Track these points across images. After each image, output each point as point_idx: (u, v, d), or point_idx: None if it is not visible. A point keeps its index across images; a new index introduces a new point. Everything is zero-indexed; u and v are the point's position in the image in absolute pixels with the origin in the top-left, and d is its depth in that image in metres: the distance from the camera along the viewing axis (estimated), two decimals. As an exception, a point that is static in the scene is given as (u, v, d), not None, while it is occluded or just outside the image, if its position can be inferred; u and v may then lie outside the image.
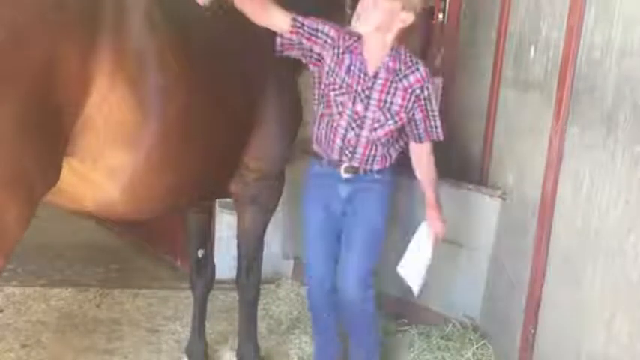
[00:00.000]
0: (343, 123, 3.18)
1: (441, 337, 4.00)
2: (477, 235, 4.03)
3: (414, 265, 3.38)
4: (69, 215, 3.50)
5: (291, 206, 4.43)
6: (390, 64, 3.12)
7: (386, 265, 4.26)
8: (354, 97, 3.14)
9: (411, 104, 3.15)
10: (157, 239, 4.98)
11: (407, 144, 3.36)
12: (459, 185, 4.14)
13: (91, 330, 4.06)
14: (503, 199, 3.90)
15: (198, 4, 2.92)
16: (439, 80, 4.95)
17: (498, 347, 3.80)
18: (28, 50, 2.29)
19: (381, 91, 3.13)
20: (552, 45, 3.32)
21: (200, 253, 3.69)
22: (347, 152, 3.22)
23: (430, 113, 3.21)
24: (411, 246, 3.40)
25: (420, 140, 3.27)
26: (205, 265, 3.72)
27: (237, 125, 3.12)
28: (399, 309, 4.27)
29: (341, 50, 3.14)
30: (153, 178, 2.76)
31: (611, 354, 2.76)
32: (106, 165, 2.63)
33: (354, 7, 3.27)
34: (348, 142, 3.21)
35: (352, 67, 3.13)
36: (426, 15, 5.56)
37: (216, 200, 4.19)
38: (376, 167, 3.26)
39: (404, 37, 3.14)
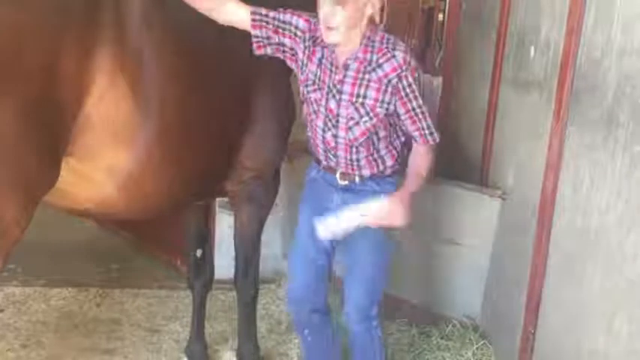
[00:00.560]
0: (320, 123, 2.90)
1: (441, 337, 4.00)
2: (477, 235, 4.03)
3: (339, 221, 2.86)
4: (69, 215, 3.50)
5: (292, 207, 4.44)
6: (361, 54, 2.79)
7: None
8: (327, 93, 2.84)
9: (387, 97, 2.79)
10: (157, 239, 4.97)
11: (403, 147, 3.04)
12: (459, 185, 4.14)
13: (91, 330, 4.06)
14: (503, 199, 3.90)
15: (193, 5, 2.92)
16: (438, 80, 4.97)
17: (498, 347, 3.80)
18: (31, 51, 2.30)
19: (353, 85, 2.80)
20: (552, 45, 3.32)
21: (199, 253, 3.69)
22: (330, 155, 2.94)
23: (417, 110, 2.83)
24: (356, 208, 2.87)
25: (415, 140, 2.93)
26: (204, 266, 3.72)
27: (232, 124, 3.13)
28: (399, 309, 4.27)
29: (312, 42, 2.87)
30: (151, 177, 2.77)
31: (611, 354, 2.76)
32: (104, 164, 2.64)
33: None
34: (328, 143, 2.92)
35: (323, 60, 2.85)
36: (426, 15, 5.59)
37: (216, 200, 4.19)
38: (366, 173, 2.94)
39: (380, 20, 2.83)
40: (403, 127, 2.91)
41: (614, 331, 2.74)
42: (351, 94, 2.82)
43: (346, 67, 2.82)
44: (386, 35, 2.85)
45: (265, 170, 3.34)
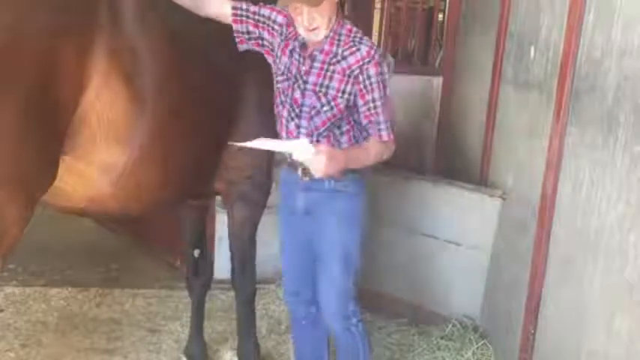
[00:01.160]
0: (285, 112, 2.95)
1: (441, 337, 4.00)
2: (477, 235, 4.03)
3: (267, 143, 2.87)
4: (69, 215, 3.50)
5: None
6: (327, 46, 2.85)
7: (386, 266, 4.27)
8: (293, 84, 2.90)
9: (349, 87, 2.83)
10: (157, 239, 4.98)
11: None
12: (459, 185, 4.14)
13: (91, 330, 4.06)
14: (503, 199, 3.90)
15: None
16: (439, 80, 4.97)
17: (498, 347, 3.80)
18: (28, 51, 2.30)
19: (318, 75, 2.86)
20: (552, 45, 3.32)
21: (196, 253, 3.69)
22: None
23: (373, 103, 2.83)
24: (284, 144, 2.90)
25: (369, 134, 2.90)
26: (202, 266, 3.72)
27: (222, 123, 3.14)
28: (399, 309, 4.27)
29: (287, 36, 2.94)
30: (145, 175, 2.78)
31: (611, 354, 2.76)
32: (99, 161, 2.65)
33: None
34: (290, 134, 2.94)
35: (294, 52, 2.91)
36: (426, 15, 5.59)
37: (216, 200, 4.19)
38: None
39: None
40: (359, 120, 2.90)
41: (614, 331, 2.74)
42: (315, 84, 2.87)
43: (313, 58, 2.88)
44: (354, 29, 2.91)
45: (254, 170, 3.32)
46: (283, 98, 2.96)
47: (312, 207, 2.99)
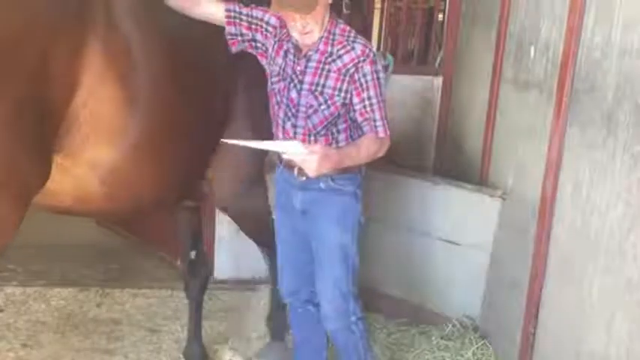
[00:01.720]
0: (281, 113, 2.96)
1: (441, 337, 4.00)
2: (476, 235, 4.03)
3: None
4: (68, 215, 3.50)
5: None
6: (322, 46, 2.87)
7: (386, 266, 4.27)
8: (289, 84, 2.92)
9: (345, 86, 2.85)
10: (157, 239, 4.98)
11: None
12: (459, 185, 4.14)
13: (91, 330, 4.06)
14: (503, 199, 3.90)
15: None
16: (439, 80, 4.97)
17: (498, 347, 3.80)
18: (22, 51, 2.30)
19: (314, 75, 2.88)
20: (552, 45, 3.32)
21: (193, 254, 3.68)
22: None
23: (369, 100, 2.85)
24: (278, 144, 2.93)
25: (364, 131, 2.89)
26: (199, 267, 3.71)
27: (214, 124, 3.13)
28: (399, 309, 4.27)
29: (281, 37, 2.96)
30: (135, 175, 2.78)
31: (611, 354, 2.76)
32: (89, 160, 2.64)
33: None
34: (287, 134, 2.96)
35: (288, 53, 2.93)
36: (426, 15, 5.60)
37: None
38: None
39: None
40: (355, 118, 2.91)
41: (614, 331, 2.74)
42: (311, 84, 2.89)
43: (308, 58, 2.90)
44: (347, 28, 2.93)
45: (244, 172, 3.32)
46: (279, 99, 2.97)
47: (309, 206, 3.00)
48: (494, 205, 3.94)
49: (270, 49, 2.99)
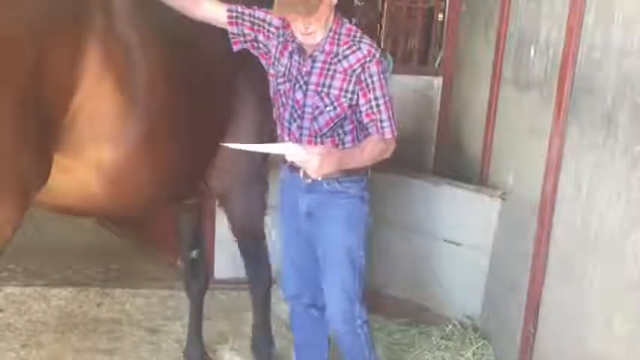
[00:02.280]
0: (286, 114, 2.94)
1: (441, 337, 4.00)
2: (476, 235, 4.03)
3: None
4: (59, 213, 3.50)
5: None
6: (327, 46, 2.85)
7: (386, 266, 4.27)
8: (294, 85, 2.90)
9: (351, 87, 2.83)
10: (157, 239, 4.97)
11: None
12: (459, 185, 4.14)
13: (91, 330, 4.06)
14: (503, 199, 3.90)
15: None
16: (439, 80, 4.97)
17: (498, 347, 3.80)
18: (22, 51, 2.30)
19: (319, 75, 2.86)
20: (552, 45, 3.32)
21: (194, 254, 3.68)
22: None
23: (375, 101, 2.83)
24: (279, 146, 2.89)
25: (369, 132, 2.88)
26: (199, 267, 3.71)
27: (213, 122, 3.13)
28: (399, 309, 4.27)
29: (285, 38, 2.94)
30: (135, 173, 2.78)
31: (611, 354, 2.76)
32: (89, 159, 2.65)
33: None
34: (292, 135, 2.94)
35: (293, 54, 2.91)
36: (426, 15, 5.59)
37: (216, 200, 4.19)
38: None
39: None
40: (361, 119, 2.88)
41: (614, 331, 2.74)
42: (317, 84, 2.87)
43: (313, 58, 2.88)
44: (353, 28, 2.91)
45: (245, 172, 3.32)
46: (284, 100, 2.95)
47: (315, 209, 2.98)
48: (494, 205, 3.94)
49: (273, 50, 2.98)
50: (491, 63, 4.10)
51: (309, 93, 2.88)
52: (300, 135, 2.92)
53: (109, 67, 2.55)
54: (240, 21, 2.97)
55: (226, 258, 4.02)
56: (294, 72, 2.91)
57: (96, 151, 2.64)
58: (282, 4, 2.73)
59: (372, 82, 2.83)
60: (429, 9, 5.78)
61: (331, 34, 2.86)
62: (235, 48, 3.02)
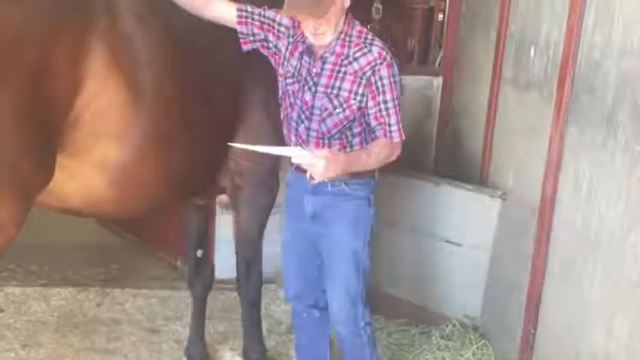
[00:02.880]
0: (294, 115, 2.93)
1: (441, 337, 4.00)
2: (477, 235, 4.03)
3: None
4: (68, 215, 3.50)
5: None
6: (338, 48, 2.83)
7: (386, 266, 4.27)
8: (303, 86, 2.89)
9: (361, 89, 2.81)
10: (157, 239, 4.98)
11: None
12: (459, 185, 4.14)
13: (91, 330, 4.07)
14: (503, 199, 3.90)
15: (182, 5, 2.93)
16: (439, 80, 4.97)
17: (498, 347, 3.80)
18: (25, 50, 2.30)
19: (329, 77, 2.84)
20: (552, 45, 3.32)
21: (199, 253, 3.69)
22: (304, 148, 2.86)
23: (384, 104, 2.82)
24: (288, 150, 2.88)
25: (377, 135, 2.87)
26: (204, 265, 3.72)
27: (222, 121, 3.12)
28: (399, 309, 4.27)
29: (295, 38, 2.93)
30: (141, 174, 2.78)
31: (611, 354, 2.76)
32: (94, 160, 2.65)
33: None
34: (299, 136, 2.93)
35: (303, 54, 2.90)
36: (426, 15, 5.58)
37: (217, 201, 4.19)
38: None
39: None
40: (369, 122, 2.87)
41: (614, 331, 2.74)
42: (327, 86, 2.85)
43: (324, 60, 2.87)
44: (365, 30, 2.91)
45: (256, 171, 3.30)
46: (292, 100, 2.94)
47: (320, 211, 2.97)
48: (494, 205, 3.94)
49: (283, 50, 2.97)
50: (491, 63, 4.10)
51: (318, 94, 2.87)
52: (308, 136, 2.91)
53: (113, 67, 2.55)
54: (249, 21, 2.97)
55: (226, 258, 4.02)
56: (304, 73, 2.89)
57: (102, 153, 2.64)
58: (291, 4, 2.72)
59: (382, 85, 2.81)
60: (429, 9, 5.77)
61: (342, 35, 2.85)
62: (245, 48, 3.02)
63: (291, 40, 2.95)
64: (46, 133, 2.44)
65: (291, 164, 2.96)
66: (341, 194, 2.93)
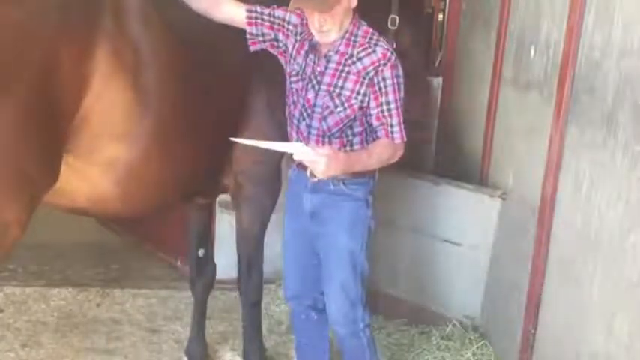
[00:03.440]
0: (296, 113, 2.95)
1: (441, 337, 4.00)
2: (477, 235, 4.03)
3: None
4: (69, 215, 3.50)
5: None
6: (343, 47, 2.85)
7: (386, 266, 4.27)
8: (307, 84, 2.90)
9: (363, 89, 2.82)
10: (157, 239, 4.98)
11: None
12: (459, 185, 4.14)
13: (91, 330, 4.07)
14: (503, 199, 3.90)
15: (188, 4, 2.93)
16: (439, 80, 4.97)
17: (498, 347, 3.80)
18: (31, 51, 2.31)
19: (332, 76, 2.86)
20: (552, 45, 3.32)
21: (201, 252, 3.69)
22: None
23: (386, 105, 2.82)
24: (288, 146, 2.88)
25: (379, 136, 2.88)
26: (206, 265, 3.72)
27: (226, 121, 3.13)
28: (399, 309, 4.27)
29: (302, 37, 2.95)
30: (147, 173, 2.78)
31: (611, 354, 2.76)
32: (101, 160, 2.66)
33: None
34: (300, 134, 2.94)
35: (308, 53, 2.91)
36: (426, 15, 5.58)
37: (217, 200, 4.19)
38: None
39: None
40: (371, 123, 2.88)
41: (614, 332, 2.74)
42: (329, 85, 2.86)
43: (328, 58, 2.88)
44: (370, 30, 2.90)
45: (260, 171, 3.31)
46: (295, 98, 2.96)
47: (318, 209, 2.98)
48: (494, 205, 3.94)
49: (290, 48, 2.98)
50: (491, 63, 4.10)
51: (320, 93, 2.88)
52: (309, 134, 2.92)
53: (118, 67, 2.55)
54: (259, 21, 2.98)
55: (226, 258, 4.02)
56: (308, 71, 2.91)
57: (108, 153, 2.65)
58: None
59: (385, 86, 2.82)
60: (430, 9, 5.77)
61: (347, 35, 2.86)
62: (252, 48, 3.03)
63: (298, 38, 2.96)
64: (53, 133, 2.45)
65: (293, 161, 2.96)
66: (339, 194, 2.93)
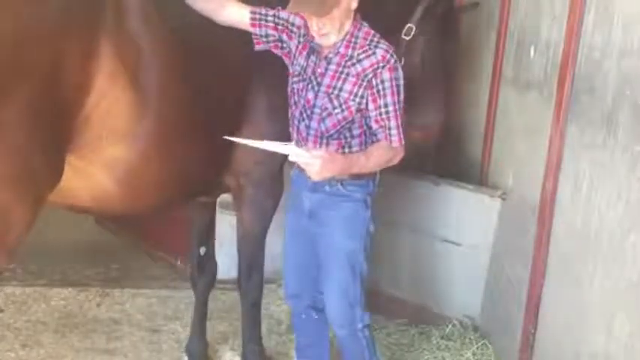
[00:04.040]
0: (297, 113, 2.97)
1: (441, 337, 4.00)
2: (477, 235, 4.03)
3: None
4: (69, 215, 3.50)
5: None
6: (343, 49, 2.85)
7: (386, 266, 4.27)
8: (307, 85, 2.91)
9: (361, 91, 2.81)
10: (157, 239, 4.98)
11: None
12: (459, 185, 4.14)
13: (91, 330, 4.07)
14: (503, 199, 3.90)
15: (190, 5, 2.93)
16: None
17: (498, 347, 3.80)
18: (35, 51, 2.31)
19: (332, 77, 2.86)
20: (552, 45, 3.32)
21: (202, 251, 3.69)
22: (301, 147, 2.88)
23: (384, 108, 2.81)
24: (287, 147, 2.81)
25: (378, 139, 2.88)
26: (207, 264, 3.72)
27: (227, 121, 3.12)
28: (398, 309, 4.27)
29: (306, 38, 2.95)
30: (149, 173, 2.79)
31: (611, 354, 2.76)
32: (103, 159, 2.66)
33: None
34: (300, 134, 2.96)
35: (310, 54, 2.93)
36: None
37: (217, 200, 4.19)
38: None
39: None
40: (370, 125, 2.88)
41: (614, 331, 2.74)
42: (329, 86, 2.87)
43: (328, 60, 2.89)
44: (372, 32, 2.90)
45: (262, 172, 3.31)
46: (297, 99, 2.97)
47: (317, 209, 2.98)
48: (494, 205, 3.94)
49: (293, 49, 3.00)
50: (491, 63, 4.10)
51: (320, 94, 2.89)
52: (307, 134, 2.93)
53: (120, 67, 2.55)
54: (263, 23, 2.98)
55: (226, 258, 4.02)
56: (309, 72, 2.92)
57: (111, 152, 2.65)
58: (297, 1, 2.74)
59: (383, 89, 2.81)
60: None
61: (348, 36, 2.86)
62: (257, 48, 3.04)
63: (301, 39, 2.97)
64: (57, 133, 2.46)
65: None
66: (337, 194, 2.94)
